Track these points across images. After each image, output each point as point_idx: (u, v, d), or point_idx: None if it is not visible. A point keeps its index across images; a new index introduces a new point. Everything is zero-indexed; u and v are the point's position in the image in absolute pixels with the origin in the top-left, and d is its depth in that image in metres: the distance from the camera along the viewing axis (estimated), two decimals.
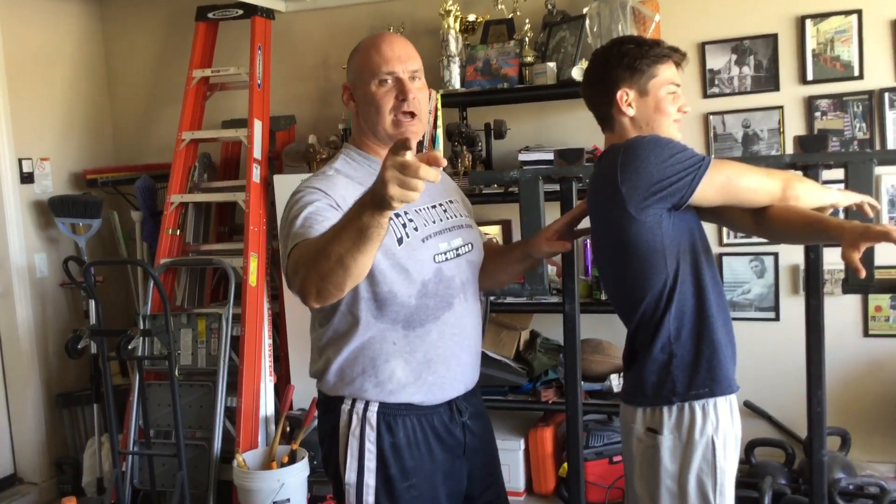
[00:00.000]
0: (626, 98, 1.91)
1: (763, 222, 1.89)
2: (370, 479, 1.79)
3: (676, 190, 1.79)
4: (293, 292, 1.58)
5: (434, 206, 1.90)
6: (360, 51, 1.87)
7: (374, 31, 4.09)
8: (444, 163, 1.29)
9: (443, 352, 1.83)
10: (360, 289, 1.74)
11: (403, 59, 1.82)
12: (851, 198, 1.96)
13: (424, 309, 1.80)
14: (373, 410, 1.80)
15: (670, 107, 1.91)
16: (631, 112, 1.91)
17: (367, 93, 1.83)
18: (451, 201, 1.97)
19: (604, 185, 1.89)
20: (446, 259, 1.84)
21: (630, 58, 1.90)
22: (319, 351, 1.87)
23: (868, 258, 2.27)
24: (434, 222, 1.86)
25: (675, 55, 1.92)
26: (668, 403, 1.87)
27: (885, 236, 1.58)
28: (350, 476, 1.80)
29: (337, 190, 1.75)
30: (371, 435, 1.79)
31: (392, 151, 1.27)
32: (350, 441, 1.80)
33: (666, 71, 1.90)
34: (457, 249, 1.88)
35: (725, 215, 1.98)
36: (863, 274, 1.60)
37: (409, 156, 1.25)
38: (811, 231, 1.79)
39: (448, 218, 1.91)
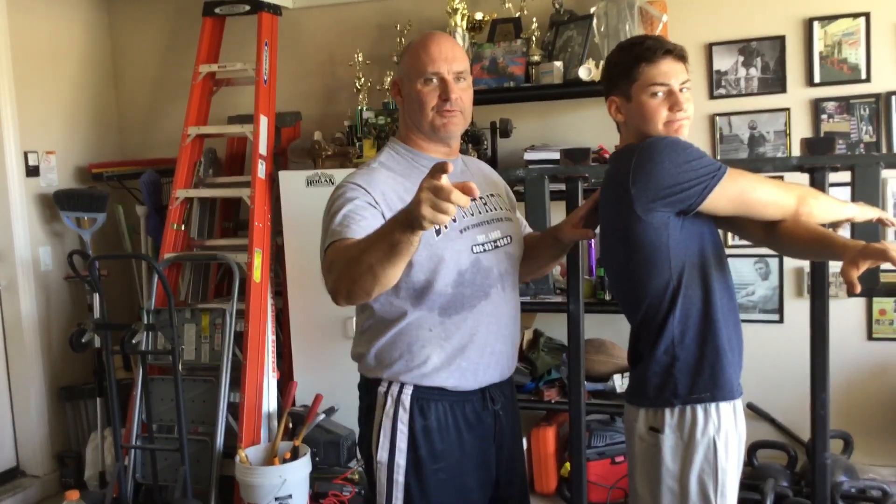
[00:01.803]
0: (615, 105, 1.93)
1: (772, 235, 1.88)
2: (401, 459, 1.87)
3: (686, 197, 1.78)
4: (325, 288, 1.67)
5: (473, 200, 1.90)
6: (411, 50, 1.95)
7: (381, 28, 4.11)
8: (478, 193, 1.36)
9: (478, 339, 1.90)
10: (400, 277, 1.78)
11: (450, 59, 1.89)
12: (869, 212, 1.95)
13: (461, 297, 1.87)
14: (407, 393, 1.88)
15: (657, 110, 1.86)
16: (621, 118, 1.93)
17: (412, 90, 1.91)
18: (492, 195, 2.04)
19: (615, 182, 1.89)
20: (484, 250, 1.91)
21: (613, 64, 1.92)
22: (361, 336, 1.96)
23: None
24: (472, 214, 1.93)
25: (658, 53, 1.84)
26: (669, 405, 1.87)
27: (881, 254, 1.58)
28: (382, 455, 1.88)
29: (377, 185, 1.84)
30: (404, 417, 1.87)
31: (430, 174, 1.34)
32: (384, 421, 1.89)
33: (647, 71, 1.84)
34: (495, 241, 1.94)
35: (736, 224, 1.97)
36: (857, 290, 1.60)
37: (445, 180, 1.32)
38: (817, 247, 1.79)
39: (487, 211, 1.97)
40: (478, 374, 1.92)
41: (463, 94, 1.91)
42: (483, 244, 1.91)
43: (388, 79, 3.82)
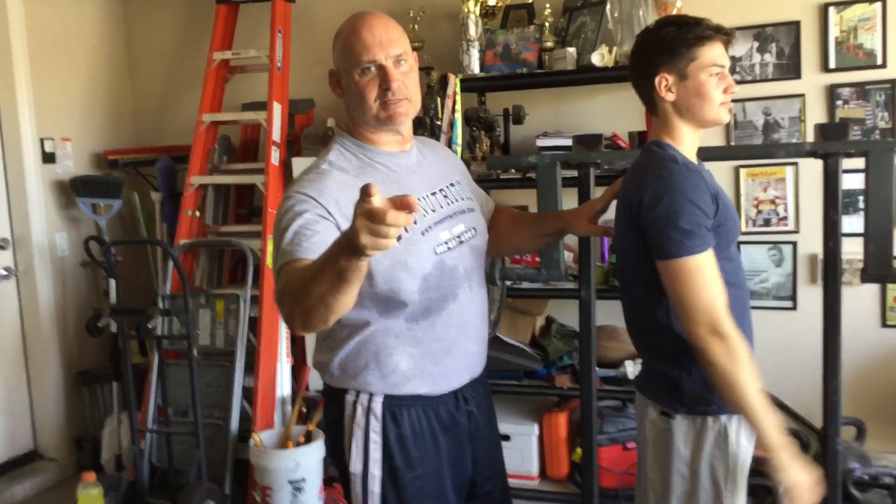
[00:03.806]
0: (666, 83, 1.85)
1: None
2: (375, 470, 1.79)
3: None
4: (280, 312, 1.57)
5: (434, 194, 1.86)
6: (341, 36, 1.78)
7: (393, 14, 4.04)
8: (418, 208, 1.24)
9: (448, 343, 1.81)
10: (362, 287, 1.64)
11: (385, 43, 1.73)
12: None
13: (427, 302, 1.77)
14: (378, 402, 1.78)
15: (714, 90, 1.84)
16: (671, 97, 1.86)
17: (350, 82, 1.77)
18: (452, 184, 1.92)
19: (633, 185, 1.86)
20: (448, 249, 1.80)
21: (668, 41, 1.84)
22: (322, 343, 1.86)
23: (886, 248, 2.27)
24: (434, 210, 1.82)
25: (718, 35, 1.84)
26: (677, 410, 1.87)
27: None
28: (355, 466, 1.80)
29: (329, 193, 1.70)
30: (376, 426, 1.78)
31: (360, 198, 1.22)
32: (355, 431, 1.79)
33: (708, 52, 1.83)
34: (459, 237, 1.84)
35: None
36: None
37: (377, 202, 1.20)
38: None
39: (449, 204, 1.86)
40: (450, 378, 1.83)
41: (405, 78, 1.75)
42: (446, 242, 1.80)
43: None
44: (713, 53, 1.83)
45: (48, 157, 4.17)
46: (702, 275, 1.75)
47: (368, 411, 1.78)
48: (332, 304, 1.42)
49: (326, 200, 1.68)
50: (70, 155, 4.30)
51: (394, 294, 1.73)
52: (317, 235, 1.61)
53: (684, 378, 1.85)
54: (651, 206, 1.78)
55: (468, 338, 1.86)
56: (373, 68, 1.74)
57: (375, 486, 1.79)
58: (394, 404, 1.79)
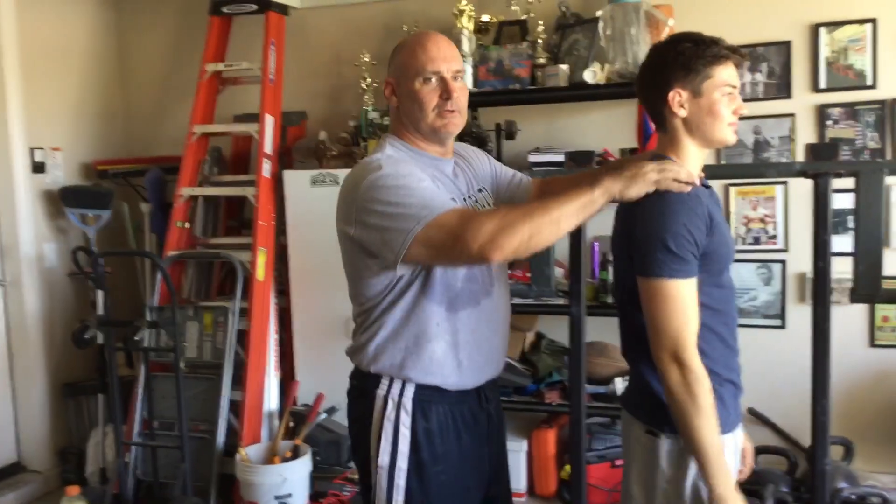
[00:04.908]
0: (679, 99, 1.83)
1: None
2: (402, 462, 1.86)
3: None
4: (470, 247, 1.66)
5: (470, 196, 2.00)
6: (406, 48, 1.93)
7: (388, 29, 4.12)
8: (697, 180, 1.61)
9: (479, 336, 1.91)
10: (411, 269, 1.83)
11: (448, 59, 1.88)
12: None
13: (467, 293, 1.88)
14: (408, 396, 1.86)
15: (725, 109, 1.83)
16: (683, 113, 1.84)
17: (411, 90, 1.89)
18: (480, 190, 2.05)
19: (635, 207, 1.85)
20: None
21: (685, 57, 1.83)
22: (363, 326, 1.93)
23: (875, 268, 2.27)
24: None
25: (734, 55, 1.85)
26: (662, 430, 1.85)
27: None
28: (383, 458, 1.86)
29: (414, 166, 1.84)
30: (406, 420, 1.86)
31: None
32: (385, 424, 1.87)
33: (723, 72, 1.83)
34: None
35: None
36: None
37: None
38: None
39: (482, 207, 2.00)
40: (477, 371, 1.93)
41: (461, 93, 1.91)
42: None
43: None
44: (727, 73, 1.83)
45: (38, 167, 4.15)
46: (678, 300, 1.74)
47: (399, 405, 1.87)
48: (565, 227, 1.69)
49: (422, 171, 1.84)
50: (60, 165, 4.28)
51: (443, 276, 1.84)
52: (444, 194, 1.80)
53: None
54: (643, 224, 1.77)
55: (496, 333, 1.98)
56: (434, 79, 1.88)
57: (401, 479, 1.86)
58: (423, 399, 1.87)
